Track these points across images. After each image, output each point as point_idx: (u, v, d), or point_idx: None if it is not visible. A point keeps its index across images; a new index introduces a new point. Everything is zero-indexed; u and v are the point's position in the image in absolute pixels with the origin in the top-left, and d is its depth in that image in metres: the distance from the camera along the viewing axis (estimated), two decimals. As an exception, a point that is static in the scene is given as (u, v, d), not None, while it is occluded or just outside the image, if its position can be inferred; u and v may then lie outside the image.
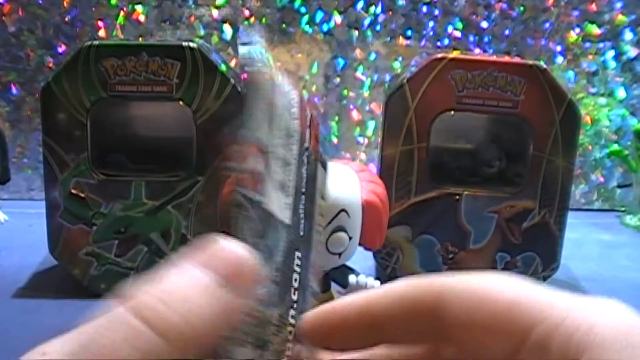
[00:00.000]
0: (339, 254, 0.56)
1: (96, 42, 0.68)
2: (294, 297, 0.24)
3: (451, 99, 0.70)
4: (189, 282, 0.20)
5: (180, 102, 0.69)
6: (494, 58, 0.73)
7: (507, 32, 1.05)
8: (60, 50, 1.01)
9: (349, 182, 0.56)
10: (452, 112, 0.71)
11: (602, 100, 1.09)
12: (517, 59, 0.79)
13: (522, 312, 0.21)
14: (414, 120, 0.70)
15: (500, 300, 0.21)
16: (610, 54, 1.07)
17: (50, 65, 1.01)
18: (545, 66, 0.70)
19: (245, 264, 0.21)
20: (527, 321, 0.21)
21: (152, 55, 0.68)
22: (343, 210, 0.54)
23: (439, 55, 0.70)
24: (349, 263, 0.59)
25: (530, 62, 0.71)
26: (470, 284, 0.22)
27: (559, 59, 1.07)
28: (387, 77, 1.05)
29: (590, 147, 1.10)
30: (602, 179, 1.11)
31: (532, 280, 0.22)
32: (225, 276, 0.20)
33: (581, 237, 0.97)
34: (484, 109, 0.71)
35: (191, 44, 0.69)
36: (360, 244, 0.58)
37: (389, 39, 1.05)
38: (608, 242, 0.98)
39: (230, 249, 0.21)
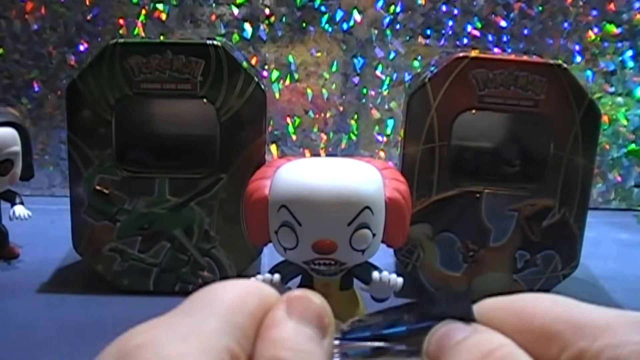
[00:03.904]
0: (363, 251, 0.56)
1: (121, 40, 0.69)
2: None
3: (472, 98, 0.70)
4: (300, 337, 0.22)
5: (204, 100, 0.70)
6: (515, 57, 0.74)
7: (525, 31, 1.06)
8: (82, 48, 1.02)
9: (373, 180, 0.57)
10: (473, 111, 0.71)
11: (620, 99, 1.09)
12: (537, 59, 0.79)
13: (553, 334, 0.21)
14: (435, 119, 0.70)
15: (536, 321, 0.21)
16: (629, 53, 1.07)
17: (72, 63, 1.02)
18: (566, 65, 0.70)
19: (327, 315, 0.23)
20: (560, 343, 0.21)
21: (176, 53, 0.68)
22: (367, 207, 0.55)
23: (461, 55, 0.70)
24: (371, 260, 0.59)
25: (552, 61, 0.71)
26: (509, 302, 0.23)
27: (578, 59, 1.07)
28: (407, 76, 1.05)
29: (607, 147, 1.10)
30: (619, 179, 1.11)
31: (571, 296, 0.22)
32: (321, 328, 0.22)
33: (599, 236, 0.97)
34: (505, 108, 0.71)
35: (215, 42, 0.69)
36: (382, 241, 0.58)
37: (408, 38, 1.06)
38: (626, 241, 0.98)
39: (317, 302, 0.23)
